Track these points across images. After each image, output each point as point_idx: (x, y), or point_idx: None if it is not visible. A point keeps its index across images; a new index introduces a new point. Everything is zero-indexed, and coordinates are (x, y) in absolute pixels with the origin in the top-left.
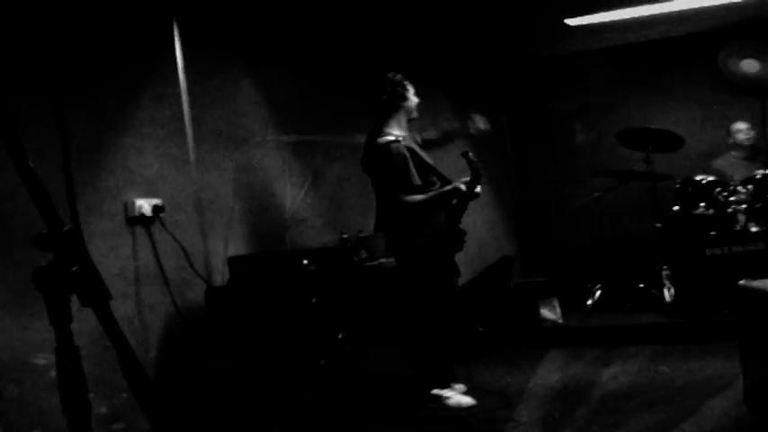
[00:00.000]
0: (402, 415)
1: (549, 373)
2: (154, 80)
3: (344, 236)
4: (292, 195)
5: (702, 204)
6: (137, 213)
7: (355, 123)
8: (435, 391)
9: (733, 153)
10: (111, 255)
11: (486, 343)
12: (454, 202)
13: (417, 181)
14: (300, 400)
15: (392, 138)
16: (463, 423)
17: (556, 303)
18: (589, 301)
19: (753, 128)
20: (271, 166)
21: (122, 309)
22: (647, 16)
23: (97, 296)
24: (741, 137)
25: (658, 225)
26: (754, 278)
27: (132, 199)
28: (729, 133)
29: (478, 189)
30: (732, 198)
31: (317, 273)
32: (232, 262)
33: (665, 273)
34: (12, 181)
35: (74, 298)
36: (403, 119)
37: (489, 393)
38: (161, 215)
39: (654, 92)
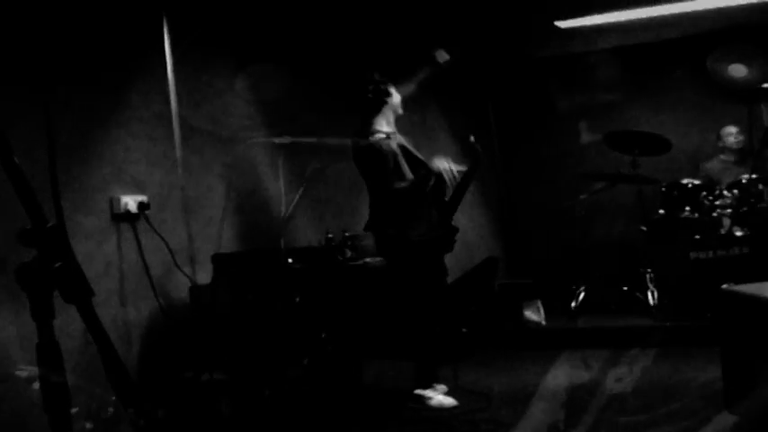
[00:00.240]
0: (383, 415)
1: (531, 375)
2: (142, 77)
3: (330, 235)
4: (287, 199)
5: (688, 208)
6: (122, 210)
7: (352, 124)
8: (418, 392)
9: (722, 157)
10: (96, 251)
11: (470, 344)
12: (451, 182)
13: (410, 175)
14: (282, 398)
15: (382, 135)
16: (445, 424)
17: (539, 305)
18: (573, 304)
19: (742, 132)
20: (263, 166)
21: (106, 305)
22: (638, 20)
23: (80, 293)
24: (731, 140)
25: (643, 228)
26: (738, 282)
27: (118, 196)
28: (719, 137)
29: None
30: (718, 202)
31: (302, 272)
32: (216, 260)
33: (649, 276)
34: None
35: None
36: (390, 116)
37: (472, 394)
38: (146, 212)
39: (644, 95)
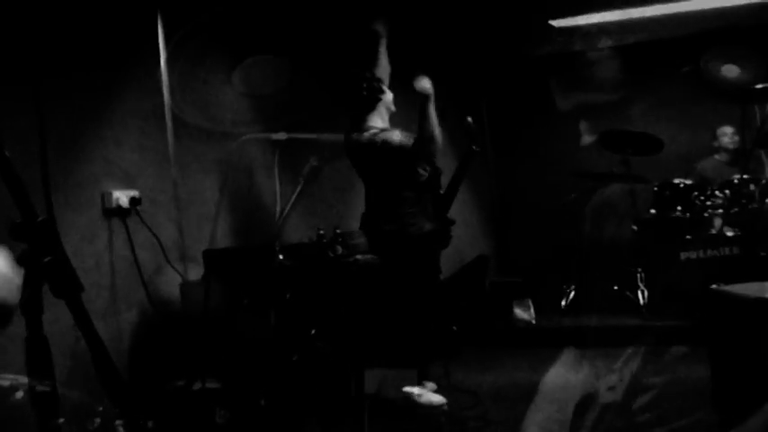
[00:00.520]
0: (372, 412)
1: (520, 374)
2: (136, 72)
3: (321, 232)
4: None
5: (679, 208)
6: (114, 205)
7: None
8: (407, 389)
9: (717, 156)
10: (87, 246)
11: (460, 342)
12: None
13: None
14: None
15: (376, 130)
16: (433, 421)
17: (530, 304)
18: (563, 302)
19: (738, 132)
20: (258, 164)
21: (97, 300)
22: (632, 20)
23: (69, 288)
24: (726, 140)
25: (635, 227)
26: (728, 283)
27: (110, 190)
28: (715, 137)
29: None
30: (709, 202)
31: (292, 268)
32: (207, 255)
33: (639, 275)
34: None
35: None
36: (384, 113)
37: (461, 392)
38: (138, 207)
39: (638, 94)
